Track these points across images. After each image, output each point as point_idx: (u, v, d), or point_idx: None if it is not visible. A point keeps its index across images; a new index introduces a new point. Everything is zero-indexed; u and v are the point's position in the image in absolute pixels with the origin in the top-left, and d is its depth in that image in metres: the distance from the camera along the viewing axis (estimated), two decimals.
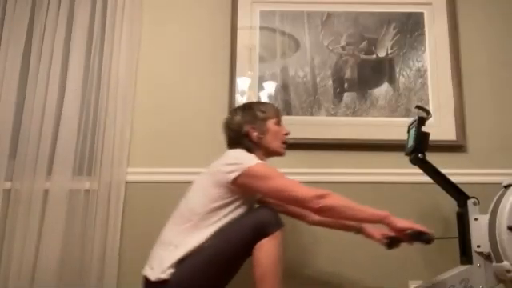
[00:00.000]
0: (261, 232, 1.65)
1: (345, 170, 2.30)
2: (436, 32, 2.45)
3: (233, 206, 1.75)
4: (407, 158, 1.97)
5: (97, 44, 2.37)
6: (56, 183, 2.21)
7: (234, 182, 1.73)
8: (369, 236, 1.95)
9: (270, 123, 1.89)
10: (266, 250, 1.64)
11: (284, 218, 1.77)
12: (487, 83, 2.41)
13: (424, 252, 2.17)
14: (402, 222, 1.72)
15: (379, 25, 2.47)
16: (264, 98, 2.38)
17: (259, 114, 1.89)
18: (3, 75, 2.33)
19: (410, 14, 2.47)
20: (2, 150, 2.26)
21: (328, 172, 2.29)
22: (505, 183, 1.87)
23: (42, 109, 2.29)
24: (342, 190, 2.26)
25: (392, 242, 1.84)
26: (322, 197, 1.71)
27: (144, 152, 2.33)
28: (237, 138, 1.88)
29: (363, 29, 2.47)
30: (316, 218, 1.96)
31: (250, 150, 1.84)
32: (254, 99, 2.35)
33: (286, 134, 1.94)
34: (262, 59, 2.43)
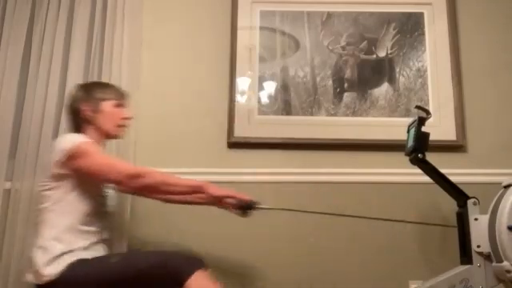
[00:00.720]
0: (176, 280, 1.58)
1: (345, 170, 2.30)
2: (436, 32, 2.45)
3: (72, 196, 1.74)
4: (407, 158, 1.97)
5: (97, 44, 2.37)
6: None
7: (61, 165, 1.72)
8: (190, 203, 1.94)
9: (107, 104, 1.88)
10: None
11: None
12: (487, 83, 2.41)
13: (424, 252, 2.17)
14: (219, 190, 1.78)
15: (379, 25, 2.47)
16: (264, 98, 2.39)
17: (97, 94, 1.89)
18: (3, 75, 2.33)
19: (410, 14, 2.47)
20: (1, 150, 2.26)
21: (328, 172, 2.29)
22: (505, 183, 1.87)
23: (42, 109, 2.29)
24: (342, 190, 2.27)
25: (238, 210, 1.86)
26: (137, 176, 1.70)
27: (144, 152, 2.33)
28: (70, 113, 1.89)
29: (363, 29, 2.47)
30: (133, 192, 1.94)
31: (80, 128, 1.85)
32: (254, 99, 2.36)
33: (126, 118, 1.92)
34: (261, 59, 2.43)
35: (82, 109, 1.86)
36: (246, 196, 1.81)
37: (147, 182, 1.71)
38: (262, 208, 1.85)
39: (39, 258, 1.68)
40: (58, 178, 1.75)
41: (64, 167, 1.74)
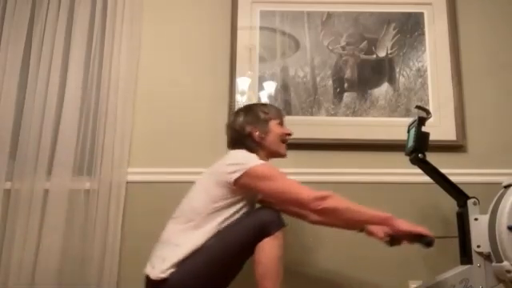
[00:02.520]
0: (262, 232, 1.65)
1: (345, 170, 2.30)
2: (436, 32, 2.45)
3: (235, 207, 1.76)
4: (407, 158, 1.97)
5: (97, 44, 2.37)
6: (56, 183, 2.21)
7: (236, 182, 1.73)
8: (371, 234, 1.94)
9: (272, 124, 1.90)
10: (268, 250, 1.64)
11: (285, 216, 1.77)
12: (487, 83, 2.41)
13: (424, 252, 2.17)
14: (405, 225, 1.73)
15: (379, 25, 2.47)
16: (264, 98, 2.39)
17: (261, 114, 1.90)
18: (3, 75, 2.33)
19: (409, 14, 2.47)
20: (2, 150, 2.26)
21: (328, 172, 2.29)
22: (505, 183, 1.87)
23: (42, 109, 2.29)
24: (342, 190, 2.26)
25: (393, 240, 1.84)
26: (323, 199, 1.71)
27: (144, 152, 2.33)
28: (239, 138, 1.89)
29: (363, 29, 2.47)
30: (317, 217, 1.96)
31: (252, 151, 1.85)
32: (254, 99, 2.36)
33: (288, 135, 1.94)
34: (261, 59, 2.43)
35: (253, 132, 1.87)
36: (424, 230, 1.73)
37: (332, 205, 1.71)
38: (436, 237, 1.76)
39: (169, 256, 1.67)
40: (230, 191, 1.75)
41: (236, 184, 1.73)
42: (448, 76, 2.39)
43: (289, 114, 2.35)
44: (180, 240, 1.70)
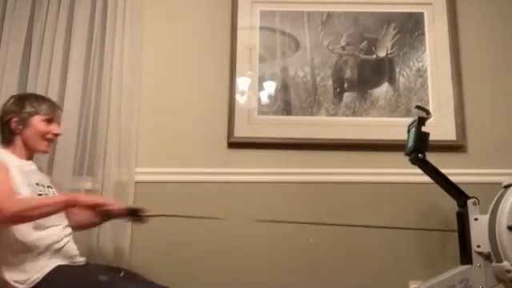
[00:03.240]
0: None
1: (345, 170, 2.30)
2: (436, 32, 2.45)
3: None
4: (407, 158, 1.97)
5: (97, 44, 2.37)
6: (56, 183, 2.20)
7: None
8: (86, 225, 1.94)
9: (36, 119, 1.87)
10: None
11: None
12: (487, 83, 2.41)
13: (424, 252, 2.17)
14: (90, 199, 1.77)
15: (379, 25, 2.47)
16: (264, 98, 2.39)
17: (28, 107, 1.87)
18: (3, 74, 2.33)
19: (410, 14, 2.47)
20: None
21: (328, 172, 2.29)
22: (505, 183, 1.87)
23: None
24: (342, 189, 2.27)
25: (102, 216, 1.84)
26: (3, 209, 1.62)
27: (145, 152, 2.33)
28: (1, 124, 1.88)
29: (363, 29, 2.47)
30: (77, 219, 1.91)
31: (9, 140, 1.85)
32: (254, 99, 2.36)
33: (55, 135, 1.92)
34: (262, 59, 2.43)
35: (11, 121, 1.84)
36: (113, 203, 1.78)
37: (16, 209, 1.62)
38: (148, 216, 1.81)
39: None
40: None
41: None
42: (448, 76, 2.39)
43: (289, 113, 2.36)
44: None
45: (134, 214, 1.80)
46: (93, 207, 1.78)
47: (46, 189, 1.86)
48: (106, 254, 2.15)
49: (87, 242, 2.12)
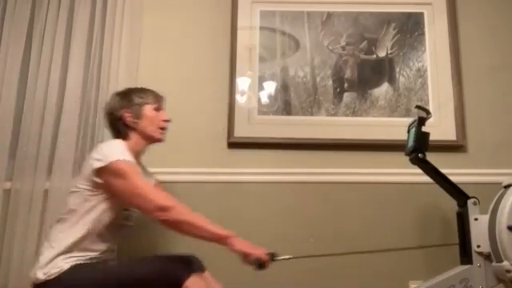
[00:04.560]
0: (176, 278, 1.62)
1: (345, 170, 2.30)
2: (436, 32, 2.45)
3: (104, 204, 1.74)
4: (407, 158, 1.97)
5: (97, 44, 2.37)
6: (56, 183, 2.20)
7: (98, 173, 1.72)
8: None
9: (147, 108, 1.89)
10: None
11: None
12: (487, 83, 2.41)
13: (424, 252, 2.17)
14: (240, 245, 1.71)
15: (379, 25, 2.47)
16: (264, 98, 2.39)
17: (136, 99, 1.89)
18: (3, 75, 2.33)
19: (410, 14, 2.47)
20: (2, 150, 2.26)
21: (328, 172, 2.29)
22: (505, 183, 1.87)
23: (42, 109, 2.29)
24: (342, 189, 2.27)
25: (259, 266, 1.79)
26: (165, 209, 1.68)
27: (145, 152, 2.33)
28: (112, 122, 1.89)
29: (363, 29, 2.47)
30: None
31: (125, 135, 1.85)
32: (254, 99, 2.36)
33: (166, 121, 1.93)
34: (262, 59, 2.43)
35: (125, 116, 1.86)
36: (260, 253, 1.73)
37: (173, 217, 1.68)
38: (279, 259, 1.78)
39: (44, 256, 1.69)
40: (95, 185, 1.74)
41: (98, 176, 1.73)
42: (448, 76, 2.39)
43: (289, 114, 2.36)
44: (55, 241, 1.71)
45: (261, 267, 1.74)
46: (244, 255, 1.73)
47: None
48: None
49: None
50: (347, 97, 2.39)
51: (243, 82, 2.40)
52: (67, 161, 2.23)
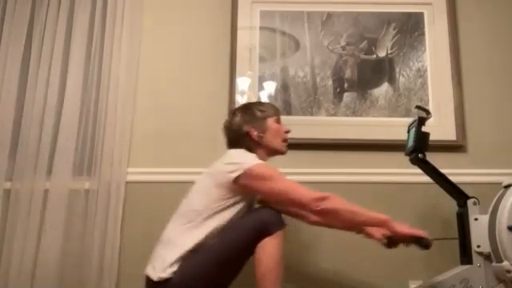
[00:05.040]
0: (263, 231, 1.65)
1: (345, 170, 2.30)
2: (436, 32, 2.45)
3: (235, 207, 1.75)
4: (407, 158, 1.97)
5: (97, 44, 2.37)
6: (56, 183, 2.21)
7: (235, 181, 1.73)
8: (369, 235, 1.94)
9: (270, 121, 1.89)
10: (268, 250, 1.64)
11: (285, 217, 1.77)
12: (487, 83, 2.41)
13: (424, 252, 2.17)
14: (403, 228, 1.74)
15: (379, 25, 2.47)
16: (264, 98, 2.38)
17: (258, 113, 1.89)
18: (3, 75, 2.33)
19: (410, 14, 2.47)
20: (2, 150, 2.26)
21: (328, 172, 2.29)
22: (505, 183, 1.87)
23: (42, 109, 2.29)
24: (342, 190, 2.26)
25: (391, 242, 1.85)
26: (322, 199, 1.70)
27: (144, 152, 2.33)
28: (237, 138, 1.88)
29: (363, 29, 2.47)
30: (316, 218, 1.96)
31: (251, 150, 1.84)
32: (254, 99, 2.35)
33: (287, 132, 1.94)
34: (262, 59, 2.43)
35: (251, 131, 1.85)
36: (422, 233, 1.74)
37: (331, 206, 1.70)
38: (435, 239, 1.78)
39: (167, 255, 1.68)
40: (230, 191, 1.75)
41: (235, 184, 1.73)
42: (448, 76, 2.39)
43: (289, 114, 2.36)
44: (180, 240, 1.70)
45: (427, 246, 1.76)
46: (403, 236, 1.76)
47: None
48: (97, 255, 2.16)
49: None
50: (347, 97, 2.39)
51: (243, 82, 2.40)
52: (67, 161, 2.24)
